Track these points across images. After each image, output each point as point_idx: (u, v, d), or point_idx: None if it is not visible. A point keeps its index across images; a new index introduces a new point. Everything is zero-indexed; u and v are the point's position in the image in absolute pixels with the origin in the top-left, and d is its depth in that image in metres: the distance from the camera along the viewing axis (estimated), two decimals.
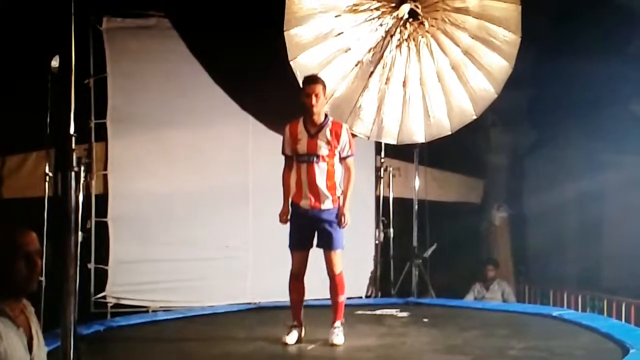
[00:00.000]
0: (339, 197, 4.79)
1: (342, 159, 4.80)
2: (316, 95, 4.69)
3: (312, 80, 4.81)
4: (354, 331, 5.18)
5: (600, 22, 7.52)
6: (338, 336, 4.72)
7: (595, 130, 8.15)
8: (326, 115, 4.82)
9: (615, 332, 5.11)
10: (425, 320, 5.83)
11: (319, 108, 4.73)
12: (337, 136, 4.73)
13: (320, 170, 4.71)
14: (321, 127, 4.74)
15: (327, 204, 4.71)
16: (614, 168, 8.31)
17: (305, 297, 4.93)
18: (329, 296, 4.91)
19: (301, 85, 4.93)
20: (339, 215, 4.71)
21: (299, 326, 4.84)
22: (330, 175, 4.72)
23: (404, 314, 6.18)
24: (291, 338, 4.78)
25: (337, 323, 4.75)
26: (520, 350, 4.64)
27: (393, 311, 6.28)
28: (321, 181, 4.70)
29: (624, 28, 7.73)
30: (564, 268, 8.95)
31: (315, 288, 5.07)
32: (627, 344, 4.65)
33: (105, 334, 5.49)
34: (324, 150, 4.70)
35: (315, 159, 4.71)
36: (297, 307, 4.85)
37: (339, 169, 4.79)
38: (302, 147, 4.75)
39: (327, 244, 4.71)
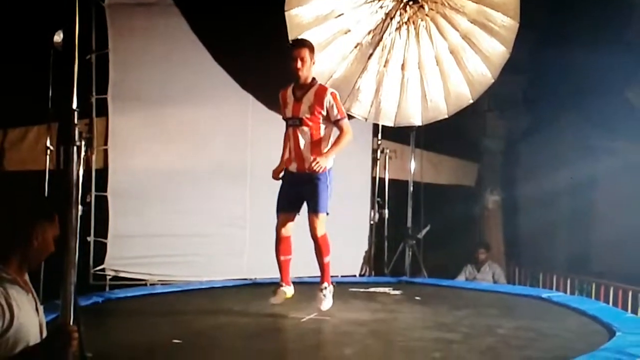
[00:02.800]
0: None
1: (335, 123, 4.74)
2: (302, 59, 4.69)
3: (298, 43, 4.79)
4: (347, 306, 5.29)
5: (596, 9, 7.58)
6: (325, 299, 4.75)
7: (590, 117, 8.25)
8: (313, 79, 4.79)
9: (602, 315, 5.17)
10: (418, 298, 5.94)
11: (305, 72, 4.72)
12: (321, 100, 4.69)
13: (303, 134, 4.73)
14: (306, 90, 4.74)
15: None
16: (607, 155, 8.41)
17: (304, 274, 5.00)
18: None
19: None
20: (315, 157, 4.63)
21: (286, 286, 4.88)
22: (314, 139, 4.71)
23: (397, 292, 6.28)
24: (276, 298, 4.85)
25: (324, 284, 4.76)
26: (509, 330, 4.72)
27: (386, 289, 6.41)
28: (304, 145, 4.72)
29: (620, 16, 7.80)
30: (554, 252, 9.09)
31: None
32: (614, 327, 4.72)
33: (104, 306, 5.59)
34: (306, 113, 4.70)
35: (298, 122, 4.73)
36: (282, 269, 4.88)
37: (326, 134, 4.76)
38: (289, 110, 4.80)
39: (311, 206, 4.71)
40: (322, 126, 4.76)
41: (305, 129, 4.74)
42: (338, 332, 4.65)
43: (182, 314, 5.26)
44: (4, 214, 2.54)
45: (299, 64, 4.70)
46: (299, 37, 4.92)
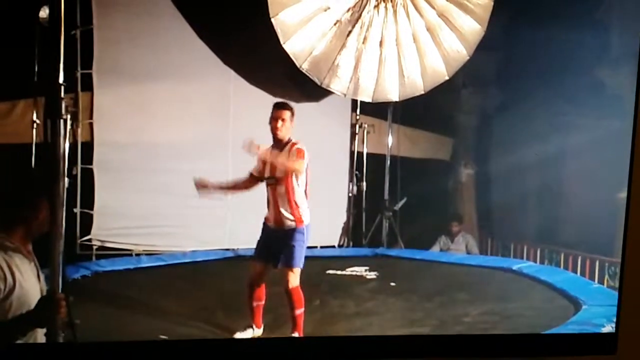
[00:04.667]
0: (302, 217, 4.94)
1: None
2: (282, 120, 4.89)
3: (282, 105, 4.98)
4: (323, 310, 5.45)
5: None
6: None
7: (561, 94, 8.43)
8: (289, 139, 4.96)
9: (569, 288, 5.43)
10: (393, 284, 6.15)
11: (283, 132, 4.92)
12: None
13: (280, 193, 4.90)
14: (281, 150, 4.93)
15: (290, 224, 4.90)
16: (577, 131, 8.61)
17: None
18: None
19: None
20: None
21: (256, 329, 4.96)
22: (290, 195, 4.88)
23: (373, 274, 6.50)
24: (242, 334, 4.87)
25: (295, 334, 4.78)
26: (475, 317, 5.00)
27: (362, 270, 6.63)
28: (282, 203, 4.89)
29: None
30: (525, 223, 9.33)
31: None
32: (581, 300, 4.97)
33: (91, 278, 5.75)
34: (280, 172, 4.89)
35: (274, 181, 4.92)
36: (254, 313, 4.96)
37: (300, 188, 4.94)
38: (267, 169, 4.99)
39: (286, 261, 4.80)
40: (297, 180, 4.93)
41: (282, 188, 4.91)
42: (316, 328, 4.85)
43: (167, 288, 5.43)
44: (12, 185, 2.67)
45: (280, 124, 4.90)
46: (283, 101, 5.07)
